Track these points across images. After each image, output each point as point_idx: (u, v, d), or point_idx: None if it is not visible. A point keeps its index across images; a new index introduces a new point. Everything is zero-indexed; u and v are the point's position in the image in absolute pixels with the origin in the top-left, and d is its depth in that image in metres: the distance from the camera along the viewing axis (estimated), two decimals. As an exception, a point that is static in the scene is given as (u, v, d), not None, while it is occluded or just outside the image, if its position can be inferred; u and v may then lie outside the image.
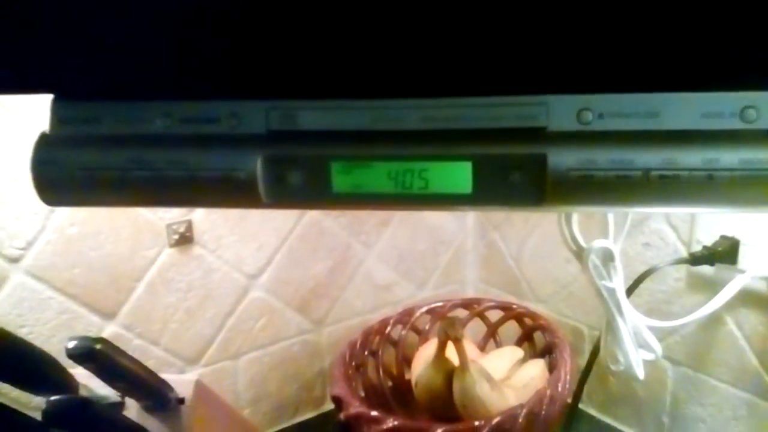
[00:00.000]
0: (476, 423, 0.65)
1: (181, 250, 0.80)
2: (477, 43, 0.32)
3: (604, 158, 0.33)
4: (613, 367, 0.66)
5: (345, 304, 0.97)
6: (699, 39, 0.30)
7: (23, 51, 0.35)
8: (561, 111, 0.34)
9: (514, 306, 0.91)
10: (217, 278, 0.84)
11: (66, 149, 0.37)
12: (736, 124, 0.32)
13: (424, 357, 0.82)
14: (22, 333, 0.70)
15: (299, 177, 0.37)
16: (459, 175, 0.35)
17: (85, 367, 0.50)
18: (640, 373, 0.64)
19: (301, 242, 0.90)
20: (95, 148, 0.37)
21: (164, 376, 0.58)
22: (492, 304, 0.93)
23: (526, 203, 0.35)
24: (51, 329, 0.72)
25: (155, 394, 0.56)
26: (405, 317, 0.92)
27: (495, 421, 0.65)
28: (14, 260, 0.69)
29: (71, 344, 0.47)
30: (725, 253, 0.70)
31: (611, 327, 0.63)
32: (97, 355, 0.48)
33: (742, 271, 0.69)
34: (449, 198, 0.36)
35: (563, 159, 0.33)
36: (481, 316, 0.93)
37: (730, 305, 0.72)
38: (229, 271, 0.85)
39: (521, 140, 0.34)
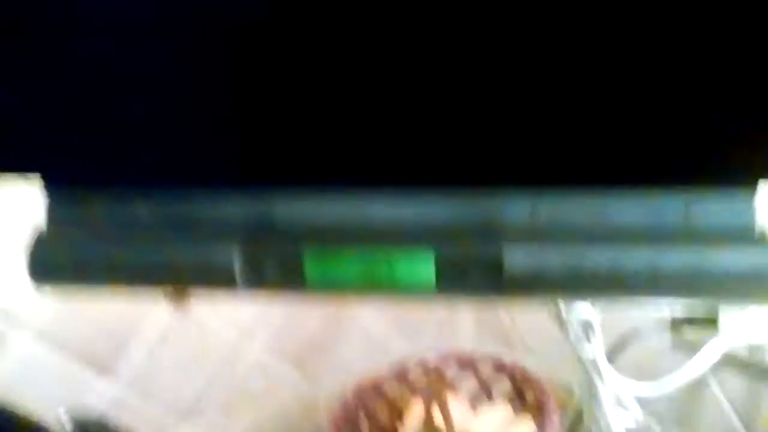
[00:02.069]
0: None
1: (178, 309, 0.82)
2: (433, 139, 0.35)
3: (555, 255, 0.35)
4: None
5: (340, 359, 0.98)
6: (642, 138, 0.32)
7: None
8: (514, 207, 0.35)
9: (506, 362, 0.92)
10: (212, 334, 0.85)
11: (58, 246, 0.39)
12: (680, 223, 0.34)
13: (415, 414, 0.83)
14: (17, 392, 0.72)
15: (274, 267, 0.39)
16: (423, 267, 0.37)
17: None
18: (622, 437, 0.65)
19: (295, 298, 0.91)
20: (83, 241, 0.39)
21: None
22: (484, 359, 0.94)
23: (486, 295, 0.37)
24: (48, 390, 0.74)
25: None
26: (398, 372, 0.93)
27: (480, 484, 0.66)
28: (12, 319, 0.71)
29: (65, 417, 0.49)
30: (706, 318, 0.71)
31: (592, 393, 0.64)
32: None
33: (722, 336, 0.70)
34: (415, 288, 0.38)
35: (516, 255, 0.35)
36: (474, 370, 0.94)
37: (714, 369, 0.72)
38: (224, 328, 0.86)
39: (476, 235, 0.36)
